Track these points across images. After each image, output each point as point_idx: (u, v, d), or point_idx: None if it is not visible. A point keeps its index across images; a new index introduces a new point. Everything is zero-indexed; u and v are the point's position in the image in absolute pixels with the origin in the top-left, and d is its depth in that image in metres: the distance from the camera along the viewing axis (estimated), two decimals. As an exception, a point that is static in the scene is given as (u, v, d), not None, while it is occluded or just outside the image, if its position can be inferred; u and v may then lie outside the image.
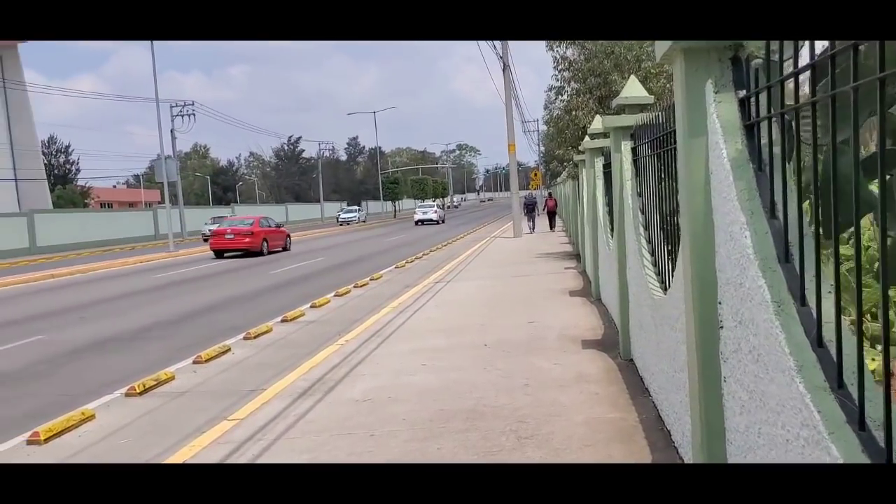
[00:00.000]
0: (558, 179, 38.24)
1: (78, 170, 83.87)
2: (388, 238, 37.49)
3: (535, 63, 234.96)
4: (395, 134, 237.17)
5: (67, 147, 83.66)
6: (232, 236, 27.80)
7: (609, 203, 9.56)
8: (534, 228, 33.59)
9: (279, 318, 11.69)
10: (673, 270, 4.96)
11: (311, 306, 13.03)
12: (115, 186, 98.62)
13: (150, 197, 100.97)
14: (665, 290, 5.12)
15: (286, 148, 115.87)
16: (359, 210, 73.80)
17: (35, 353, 10.06)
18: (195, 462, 5.13)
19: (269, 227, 29.55)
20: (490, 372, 6.94)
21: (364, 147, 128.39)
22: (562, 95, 17.34)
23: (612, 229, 9.10)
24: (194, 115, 60.50)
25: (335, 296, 14.37)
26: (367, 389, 6.67)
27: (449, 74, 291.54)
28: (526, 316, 9.95)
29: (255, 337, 10.17)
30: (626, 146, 7.17)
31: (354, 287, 15.64)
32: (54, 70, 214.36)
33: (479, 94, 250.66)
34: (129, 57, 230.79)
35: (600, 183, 10.27)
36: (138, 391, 7.41)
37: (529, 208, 35.02)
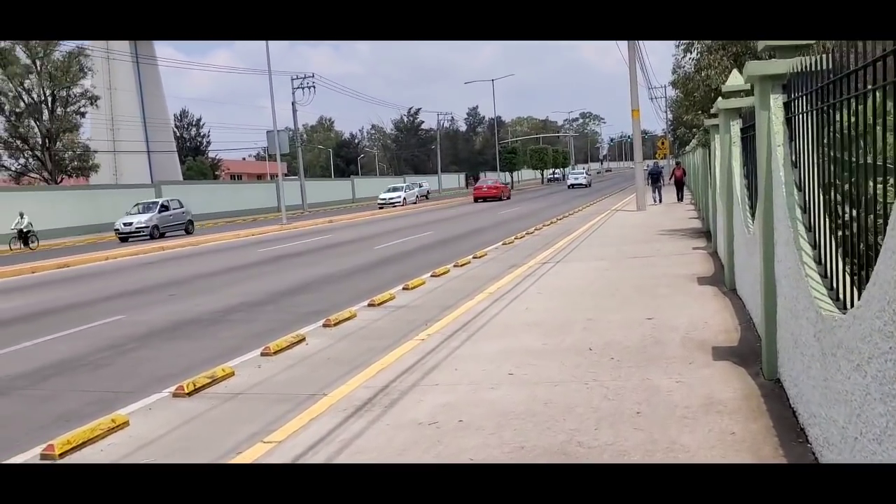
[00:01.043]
0: (686, 148, 35.53)
1: (209, 142, 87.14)
2: (502, 211, 36.12)
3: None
4: (517, 103, 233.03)
5: (199, 120, 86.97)
6: (485, 189, 51.49)
7: (749, 175, 7.83)
8: (660, 200, 31.56)
9: (366, 302, 10.67)
10: (854, 281, 3.40)
11: (404, 288, 11.95)
12: (244, 159, 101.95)
13: (276, 169, 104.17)
14: (841, 307, 3.55)
15: (405, 120, 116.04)
16: (417, 186, 60.89)
17: (105, 337, 9.48)
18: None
19: (501, 185, 54.77)
20: (592, 390, 5.51)
21: (484, 117, 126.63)
22: (691, 53, 15.30)
23: (751, 208, 7.41)
24: (314, 87, 61.24)
25: (431, 276, 13.22)
26: (437, 407, 5.42)
27: (573, 41, 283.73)
28: (643, 309, 8.39)
29: (335, 324, 9.17)
30: (777, 101, 5.47)
31: (454, 266, 14.44)
32: (192, 47, 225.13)
33: (604, 60, 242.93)
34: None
35: (737, 151, 8.49)
36: (187, 391, 6.51)
37: (654, 178, 32.93)
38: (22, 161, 43.21)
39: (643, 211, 26.19)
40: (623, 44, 27.19)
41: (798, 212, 4.69)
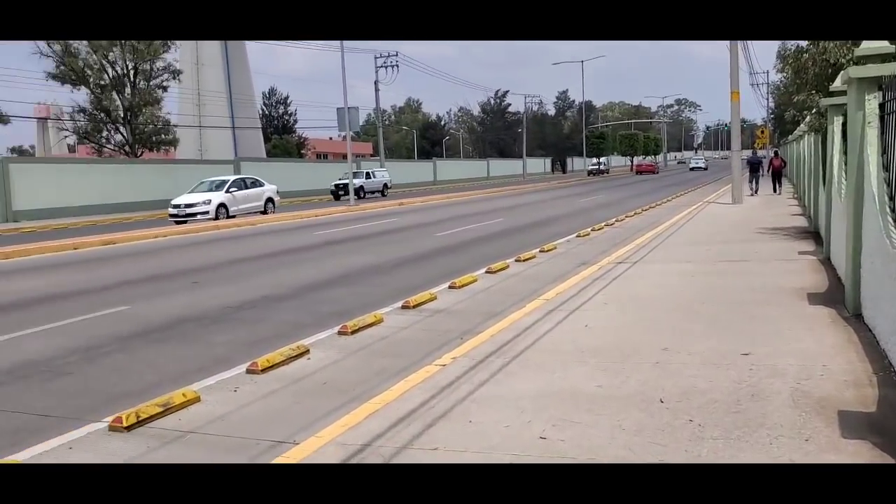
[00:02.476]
0: (789, 137, 32.42)
1: (295, 120, 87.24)
2: (583, 199, 33.88)
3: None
4: (609, 87, 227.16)
5: (286, 98, 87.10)
6: (644, 166, 69.54)
7: (890, 166, 5.77)
8: (756, 191, 29.43)
9: (400, 303, 9.07)
10: None
11: (450, 287, 10.29)
12: (331, 139, 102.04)
13: (361, 150, 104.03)
14: None
15: (492, 102, 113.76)
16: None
17: (90, 334, 8.16)
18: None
19: (654, 163, 73.60)
20: (655, 479, 3.69)
21: (573, 101, 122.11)
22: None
23: (894, 212, 5.40)
24: (397, 66, 60.06)
25: (486, 272, 11.51)
26: (423, 490, 3.72)
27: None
28: (737, 337, 6.43)
29: (352, 332, 7.60)
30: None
31: (515, 261, 12.67)
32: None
33: (703, 46, 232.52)
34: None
35: (873, 133, 6.38)
36: (126, 425, 5.04)
37: (754, 167, 30.60)
38: (105, 134, 43.55)
39: (739, 204, 23.58)
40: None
41: None
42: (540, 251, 14.13)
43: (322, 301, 9.93)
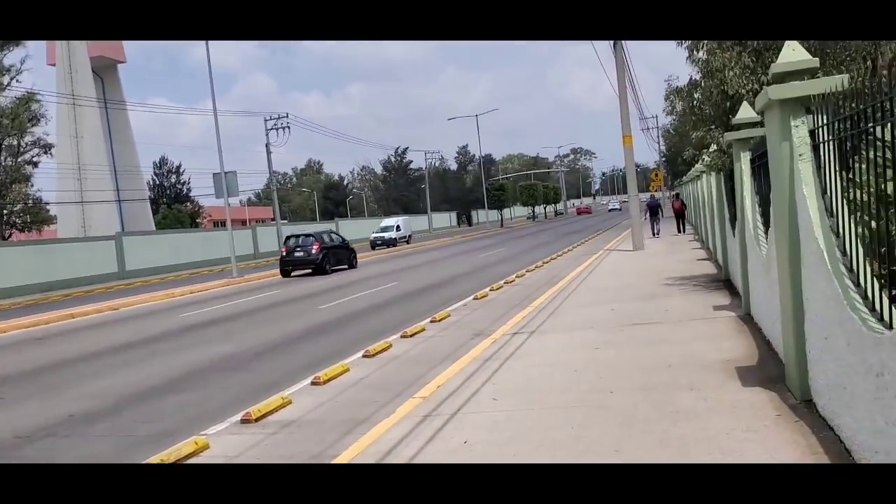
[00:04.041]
0: (684, 178, 32.28)
1: (189, 189, 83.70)
2: (485, 253, 32.56)
3: (653, 60, 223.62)
4: (507, 141, 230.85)
5: (178, 167, 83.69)
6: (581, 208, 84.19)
7: (834, 211, 4.32)
8: (658, 233, 29.50)
9: (240, 416, 7.10)
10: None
11: (313, 382, 8.43)
12: (229, 205, 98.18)
13: (261, 214, 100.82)
14: None
15: (393, 160, 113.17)
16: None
17: None
18: None
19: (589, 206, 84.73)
20: None
21: (474, 155, 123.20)
22: (697, 52, 11.87)
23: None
24: (288, 127, 58.19)
25: (363, 356, 9.69)
26: None
27: (561, 79, 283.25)
28: (661, 452, 4.78)
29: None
30: None
31: (400, 337, 10.92)
32: (183, 97, 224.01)
33: (593, 98, 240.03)
34: (253, 82, 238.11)
35: (807, 169, 4.93)
36: None
37: (653, 210, 31.01)
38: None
39: (641, 250, 22.63)
40: (612, 71, 23.87)
41: None
42: (431, 321, 12.44)
43: (145, 417, 7.79)
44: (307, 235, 28.55)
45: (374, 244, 50.34)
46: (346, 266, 29.10)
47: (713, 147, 12.32)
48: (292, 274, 27.69)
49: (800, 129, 4.94)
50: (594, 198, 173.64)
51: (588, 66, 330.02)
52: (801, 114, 5.00)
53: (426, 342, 10.68)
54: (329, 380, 8.54)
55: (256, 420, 7.04)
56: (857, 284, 3.94)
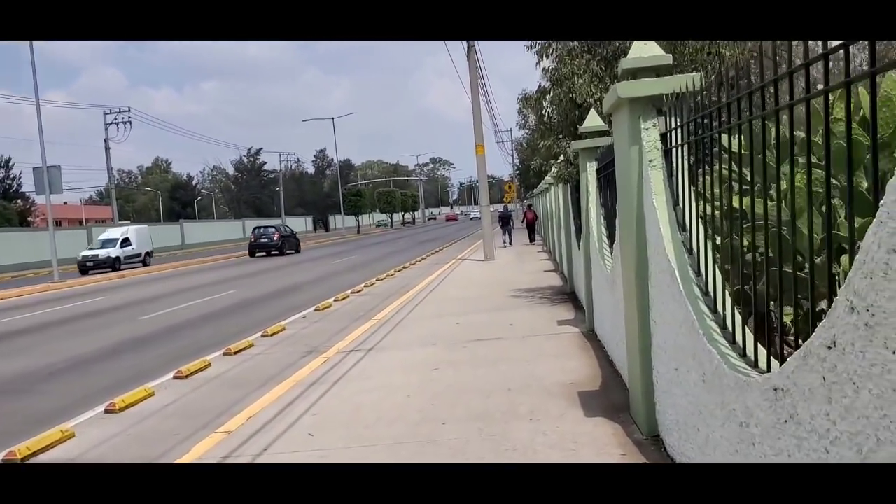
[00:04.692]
0: (535, 190, 32.73)
1: (20, 185, 76.70)
2: (336, 260, 31.44)
3: (508, 77, 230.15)
4: (367, 146, 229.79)
5: (8, 161, 76.42)
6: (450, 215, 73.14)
7: (686, 225, 3.80)
8: (510, 242, 30.64)
9: (2, 455, 5.79)
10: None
11: (107, 410, 7.21)
12: (66, 203, 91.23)
13: (101, 213, 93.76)
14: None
15: (246, 161, 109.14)
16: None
17: None
18: None
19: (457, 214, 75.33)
20: None
21: (332, 160, 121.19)
22: (546, 59, 11.53)
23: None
24: (130, 122, 54.49)
25: (175, 377, 8.51)
26: None
27: (422, 88, 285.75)
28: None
29: None
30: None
31: (224, 354, 9.79)
32: (26, 89, 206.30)
33: (453, 109, 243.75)
34: (101, 74, 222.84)
35: (658, 177, 4.41)
36: None
37: (504, 221, 32.07)
38: None
39: (492, 261, 22.43)
40: (467, 80, 23.56)
41: None
42: (262, 335, 11.33)
43: None
44: (269, 227, 40.19)
45: (84, 267, 32.91)
46: (293, 251, 38.66)
47: (561, 158, 12.02)
48: (256, 255, 38.08)
49: (650, 131, 4.42)
50: (452, 207, 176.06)
51: (447, 76, 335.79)
52: (653, 115, 4.49)
53: (252, 360, 9.59)
54: (127, 406, 7.32)
55: (23, 460, 5.77)
56: (714, 310, 3.39)
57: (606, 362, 7.23)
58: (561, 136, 11.57)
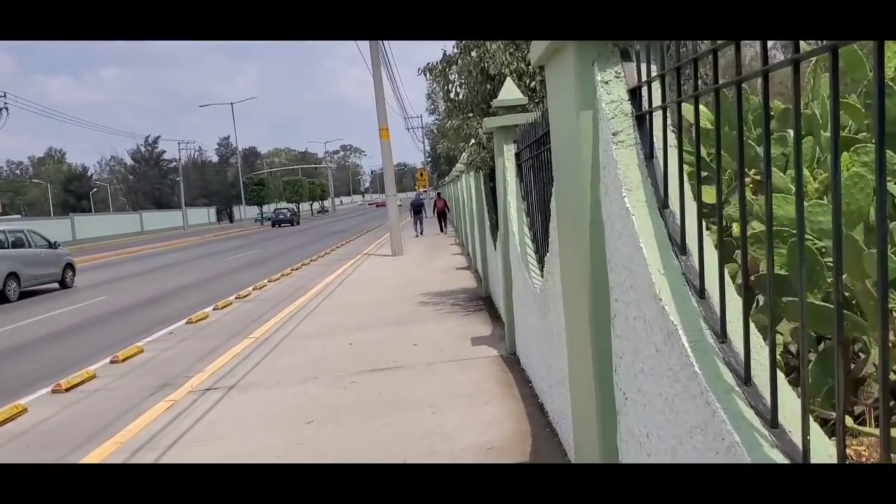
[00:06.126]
0: (446, 178, 31.05)
1: None
2: (233, 256, 28.81)
3: (421, 63, 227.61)
4: (275, 134, 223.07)
5: None
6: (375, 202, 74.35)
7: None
8: (422, 232, 30.07)
9: None
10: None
11: None
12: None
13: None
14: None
15: (143, 150, 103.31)
16: None
17: None
18: None
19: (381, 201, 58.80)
20: None
21: (237, 148, 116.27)
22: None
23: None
24: (7, 108, 49.90)
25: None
26: None
27: (333, 75, 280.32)
28: None
29: None
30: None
31: (52, 392, 7.58)
32: None
33: (363, 96, 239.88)
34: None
35: (625, 157, 2.62)
36: None
37: (416, 209, 31.30)
38: None
39: (400, 255, 20.54)
40: (370, 58, 21.44)
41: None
42: (112, 361, 9.19)
43: None
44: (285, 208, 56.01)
45: None
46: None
47: (472, 141, 10.22)
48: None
49: (612, 86, 2.57)
50: (363, 195, 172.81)
51: (358, 63, 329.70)
52: (616, 59, 2.68)
53: (86, 400, 7.44)
54: None
55: None
56: (748, 381, 1.61)
57: (535, 406, 5.47)
58: (471, 115, 9.73)
